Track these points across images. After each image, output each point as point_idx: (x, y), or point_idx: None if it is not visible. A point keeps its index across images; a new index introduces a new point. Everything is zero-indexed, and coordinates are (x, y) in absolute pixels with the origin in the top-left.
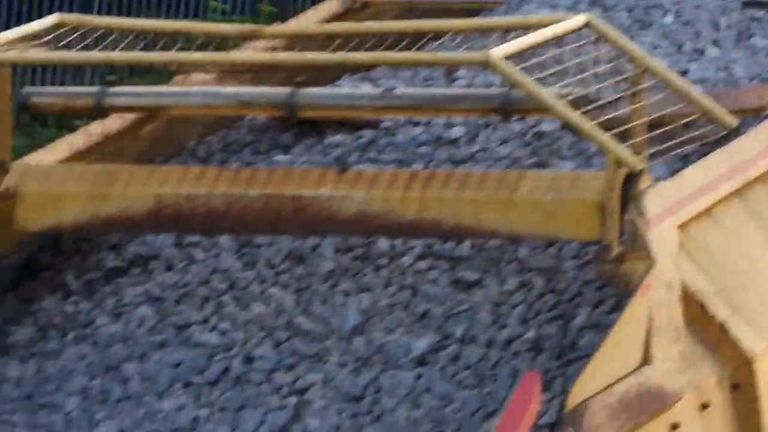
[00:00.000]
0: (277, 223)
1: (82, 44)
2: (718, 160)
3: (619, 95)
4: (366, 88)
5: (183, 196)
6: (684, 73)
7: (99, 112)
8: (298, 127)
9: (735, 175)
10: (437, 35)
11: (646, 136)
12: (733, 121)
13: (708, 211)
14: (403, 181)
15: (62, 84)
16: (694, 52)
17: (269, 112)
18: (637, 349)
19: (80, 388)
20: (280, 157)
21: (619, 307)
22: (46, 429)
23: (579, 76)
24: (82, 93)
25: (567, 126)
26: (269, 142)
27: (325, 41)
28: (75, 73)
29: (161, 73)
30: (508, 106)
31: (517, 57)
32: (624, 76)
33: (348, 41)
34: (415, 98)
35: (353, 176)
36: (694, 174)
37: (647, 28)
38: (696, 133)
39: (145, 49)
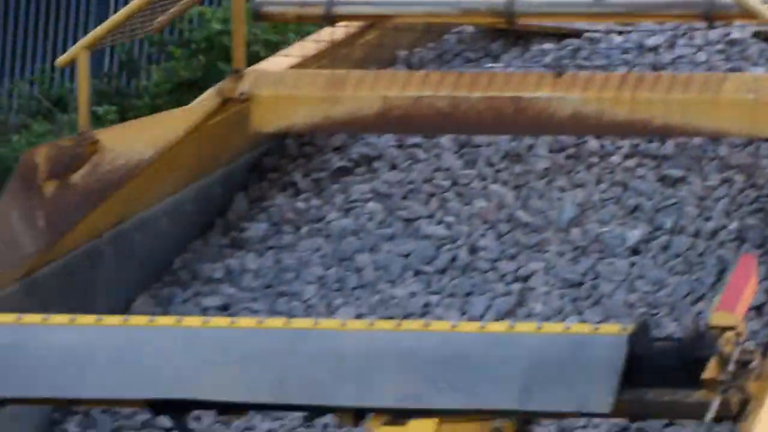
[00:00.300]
0: (499, 124)
1: None
2: None
3: None
4: None
5: (409, 98)
6: None
7: (328, 20)
8: (506, 36)
9: None
10: None
11: None
12: None
13: None
14: (614, 84)
15: None
16: None
17: (488, 19)
18: None
19: (317, 278)
20: (491, 65)
21: None
22: (287, 315)
23: None
24: (313, 2)
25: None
26: (480, 51)
27: None
28: None
29: None
30: (714, 13)
31: None
32: None
33: None
34: (626, 5)
35: (568, 79)
36: None
37: None
38: None
39: None
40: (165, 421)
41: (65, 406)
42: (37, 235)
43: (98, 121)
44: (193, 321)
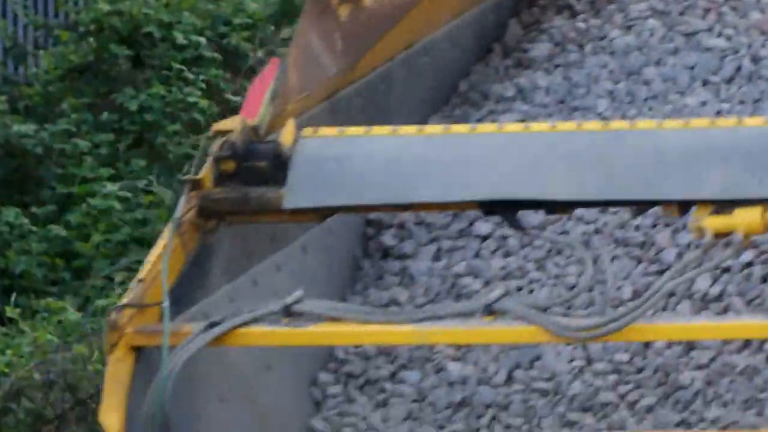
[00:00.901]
0: None
1: None
2: None
3: None
4: None
5: None
6: None
7: None
8: None
9: None
10: None
11: None
12: None
13: None
14: None
15: None
16: None
17: None
18: None
19: (607, 92)
20: None
21: None
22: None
23: None
24: None
25: None
26: None
27: None
28: None
29: None
30: None
31: None
32: None
33: None
34: None
35: None
36: None
37: None
38: None
39: None
40: (481, 228)
41: (394, 212)
42: (337, 57)
43: None
44: (515, 127)
